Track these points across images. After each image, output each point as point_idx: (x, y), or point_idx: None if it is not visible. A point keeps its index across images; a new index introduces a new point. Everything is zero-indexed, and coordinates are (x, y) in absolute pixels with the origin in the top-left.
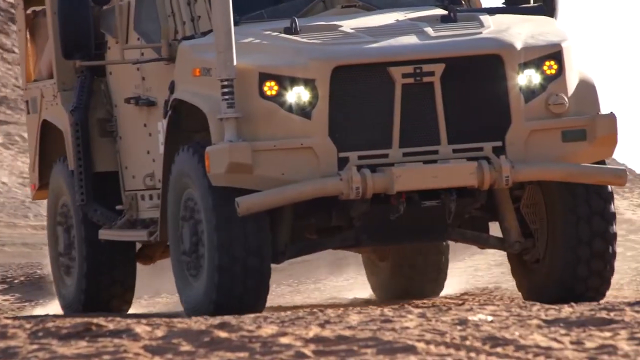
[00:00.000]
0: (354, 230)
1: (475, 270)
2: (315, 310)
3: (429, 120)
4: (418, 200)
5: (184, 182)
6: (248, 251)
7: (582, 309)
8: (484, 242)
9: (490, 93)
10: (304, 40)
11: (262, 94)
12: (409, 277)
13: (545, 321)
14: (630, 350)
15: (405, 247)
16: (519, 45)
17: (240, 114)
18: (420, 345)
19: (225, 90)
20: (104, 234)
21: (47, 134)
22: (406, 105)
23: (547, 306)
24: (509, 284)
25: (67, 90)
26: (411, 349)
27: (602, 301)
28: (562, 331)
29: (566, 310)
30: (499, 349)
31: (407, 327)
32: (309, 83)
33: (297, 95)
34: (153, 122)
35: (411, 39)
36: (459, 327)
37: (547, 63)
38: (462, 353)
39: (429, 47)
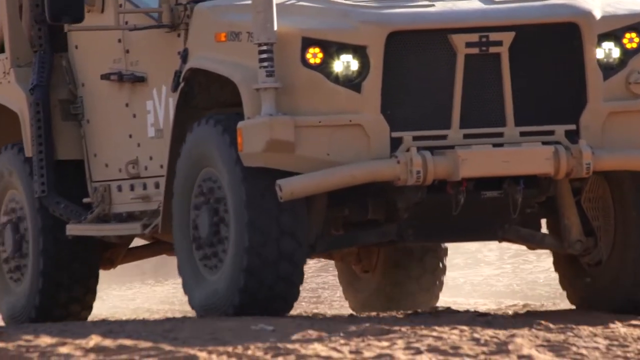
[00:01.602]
0: (397, 223)
1: None
2: (97, 320)
3: (493, 98)
4: (476, 189)
5: (201, 160)
6: (283, 233)
7: (361, 320)
8: (539, 241)
9: (564, 68)
10: (355, 1)
11: (304, 61)
12: (400, 286)
13: (325, 330)
14: (405, 359)
15: (398, 249)
16: (597, 14)
17: (280, 84)
18: (203, 355)
19: (264, 56)
20: (74, 229)
21: None
22: (469, 79)
23: (329, 315)
24: None
25: (21, 67)
26: (193, 358)
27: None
28: (342, 341)
29: (346, 320)
30: (280, 359)
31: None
32: (359, 50)
33: (345, 64)
34: (139, 101)
35: (476, 4)
36: (241, 337)
37: (627, 35)
38: None
39: (497, 13)
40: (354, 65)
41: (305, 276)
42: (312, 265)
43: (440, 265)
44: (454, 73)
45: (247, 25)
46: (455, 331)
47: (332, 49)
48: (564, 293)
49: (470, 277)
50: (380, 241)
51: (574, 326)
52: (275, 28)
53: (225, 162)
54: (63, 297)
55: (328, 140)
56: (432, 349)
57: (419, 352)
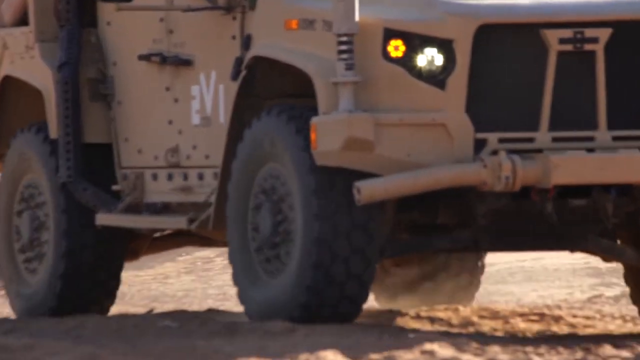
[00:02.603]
0: (473, 230)
1: (165, 278)
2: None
3: (586, 99)
4: (561, 197)
5: (263, 156)
6: (355, 226)
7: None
8: (618, 254)
9: None
10: None
11: (385, 54)
12: (437, 284)
13: (231, 328)
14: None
15: None
16: None
17: (359, 78)
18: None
19: (344, 48)
20: (106, 219)
21: (7, 95)
22: (560, 78)
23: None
24: (198, 291)
25: (45, 42)
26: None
27: None
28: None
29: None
30: (183, 354)
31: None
32: (444, 44)
33: (429, 58)
34: (183, 85)
35: None
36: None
37: None
38: None
39: (594, 8)
40: (439, 60)
41: (212, 273)
42: (219, 262)
43: (479, 264)
44: (545, 71)
45: (322, 13)
46: None
47: (415, 42)
48: None
49: None
50: (453, 247)
51: None
52: (357, 18)
53: (293, 162)
54: (86, 284)
55: (409, 140)
56: None
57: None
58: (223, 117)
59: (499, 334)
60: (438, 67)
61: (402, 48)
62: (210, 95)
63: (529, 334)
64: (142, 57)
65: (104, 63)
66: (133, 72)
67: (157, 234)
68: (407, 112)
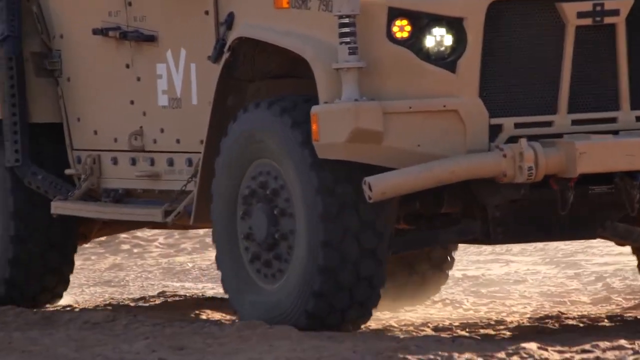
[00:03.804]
0: (482, 221)
1: None
2: None
3: (607, 77)
4: (582, 184)
5: (255, 149)
6: (363, 251)
7: None
8: (636, 238)
9: None
10: None
11: (390, 36)
12: (402, 280)
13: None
14: None
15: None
16: None
17: (363, 63)
18: None
19: (346, 30)
20: (62, 208)
21: None
22: (579, 55)
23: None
24: None
25: None
26: None
27: None
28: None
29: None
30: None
31: None
32: (454, 23)
33: (438, 39)
34: (145, 63)
35: None
36: None
37: None
38: None
39: None
40: (448, 40)
41: None
42: None
43: (449, 258)
44: (563, 48)
45: None
46: None
47: (422, 22)
48: None
49: (198, 262)
50: (461, 240)
51: None
52: None
53: (292, 160)
54: (38, 268)
55: (419, 129)
56: None
57: None
58: (195, 98)
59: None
60: (447, 48)
61: (408, 28)
62: (180, 75)
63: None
64: (97, 32)
65: (47, 35)
66: (85, 46)
67: None
68: (416, 98)
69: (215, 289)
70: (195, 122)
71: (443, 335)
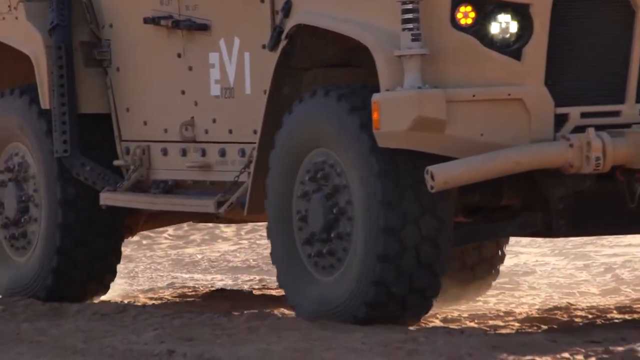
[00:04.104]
0: (544, 214)
1: None
2: None
3: None
4: None
5: (311, 138)
6: (423, 238)
7: None
8: None
9: None
10: None
11: (454, 22)
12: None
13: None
14: None
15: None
16: None
17: (427, 50)
18: None
19: (410, 16)
20: (112, 199)
21: None
22: None
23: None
24: None
25: (31, 1)
26: None
27: None
28: None
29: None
30: None
31: None
32: (520, 9)
33: (503, 26)
34: (198, 52)
35: None
36: None
37: None
38: None
39: None
40: (514, 27)
41: None
42: None
43: (499, 253)
44: (632, 36)
45: None
46: None
47: (487, 8)
48: None
49: (207, 253)
50: (522, 232)
51: None
52: None
53: (347, 135)
54: (84, 257)
55: (482, 118)
56: None
57: None
58: (249, 88)
59: None
60: (513, 35)
61: (472, 14)
62: (233, 64)
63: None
64: (148, 20)
65: (96, 25)
66: (135, 36)
67: None
68: (480, 86)
69: (224, 281)
70: (248, 111)
71: (452, 326)
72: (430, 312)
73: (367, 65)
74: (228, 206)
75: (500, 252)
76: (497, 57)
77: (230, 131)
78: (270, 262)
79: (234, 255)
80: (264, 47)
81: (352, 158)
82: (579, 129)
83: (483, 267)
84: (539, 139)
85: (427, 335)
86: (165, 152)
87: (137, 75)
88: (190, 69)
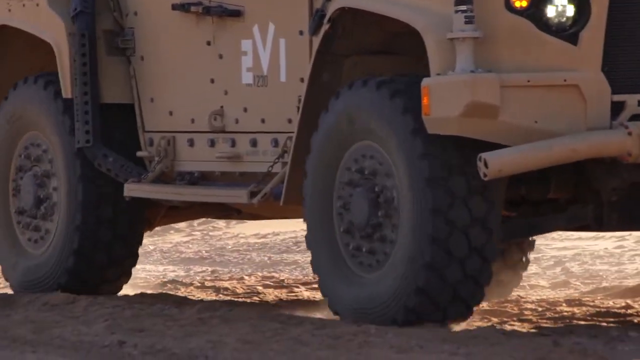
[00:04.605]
0: (595, 206)
1: None
2: None
3: None
4: None
5: (359, 129)
6: (471, 249)
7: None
8: None
9: None
10: None
11: (508, 5)
12: None
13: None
14: None
15: None
16: None
17: (480, 32)
18: None
19: None
20: (137, 190)
21: (3, 45)
22: None
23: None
24: None
25: None
26: None
27: None
28: None
29: None
30: None
31: None
32: None
33: (559, 8)
34: (229, 39)
35: None
36: None
37: None
38: None
39: None
40: (570, 10)
41: None
42: None
43: (524, 259)
44: None
45: None
46: None
47: None
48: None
49: (159, 245)
50: (571, 226)
51: None
52: None
53: (397, 136)
54: (101, 259)
55: (537, 104)
56: None
57: None
58: (284, 75)
59: (283, 303)
60: (569, 19)
61: None
62: (267, 51)
63: (312, 303)
64: (176, 7)
65: (119, 12)
66: (161, 23)
67: None
68: (534, 71)
69: (176, 272)
70: (282, 100)
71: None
72: None
73: (409, 53)
74: (262, 196)
75: (524, 259)
76: (553, 42)
77: (263, 120)
78: (222, 254)
79: (186, 246)
80: (300, 33)
81: (401, 160)
82: (636, 117)
83: (507, 274)
84: (595, 127)
85: (378, 327)
86: (191, 142)
87: (163, 64)
88: (220, 56)
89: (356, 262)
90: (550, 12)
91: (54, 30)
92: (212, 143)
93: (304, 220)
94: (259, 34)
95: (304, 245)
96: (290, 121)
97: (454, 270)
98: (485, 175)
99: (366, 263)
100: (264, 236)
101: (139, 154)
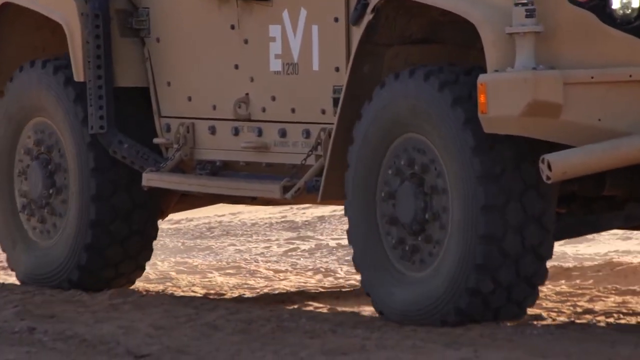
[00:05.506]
0: None
1: None
2: None
3: None
4: None
5: (405, 122)
6: (526, 247)
7: None
8: None
9: None
10: None
11: None
12: None
13: None
14: None
15: None
16: None
17: (541, 27)
18: None
19: None
20: (155, 180)
21: (5, 24)
22: None
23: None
24: None
25: None
26: None
27: None
28: None
29: None
30: None
31: None
32: None
33: (625, 1)
34: (256, 24)
35: None
36: None
37: None
38: None
39: None
40: (635, 2)
41: None
42: None
43: None
44: None
45: None
46: None
47: None
48: None
49: None
50: (627, 225)
51: None
52: None
53: (447, 130)
54: (116, 255)
55: (601, 102)
56: None
57: None
58: (317, 64)
59: (197, 288)
60: (635, 11)
61: None
62: (298, 38)
63: (226, 288)
64: None
65: None
66: (180, 4)
67: None
68: (598, 67)
69: None
70: (315, 89)
71: (318, 305)
72: (294, 288)
73: (452, 43)
74: (296, 191)
75: None
76: (618, 35)
77: (293, 110)
78: None
79: None
80: (336, 20)
81: (451, 155)
82: None
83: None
84: None
85: (292, 313)
86: (213, 130)
87: (181, 47)
88: (245, 42)
89: (402, 260)
90: (615, 3)
91: (64, 10)
92: (237, 131)
93: (345, 214)
94: (288, 20)
95: (217, 231)
96: (324, 112)
97: (507, 271)
98: (548, 178)
99: (413, 261)
100: (178, 222)
101: (155, 140)
